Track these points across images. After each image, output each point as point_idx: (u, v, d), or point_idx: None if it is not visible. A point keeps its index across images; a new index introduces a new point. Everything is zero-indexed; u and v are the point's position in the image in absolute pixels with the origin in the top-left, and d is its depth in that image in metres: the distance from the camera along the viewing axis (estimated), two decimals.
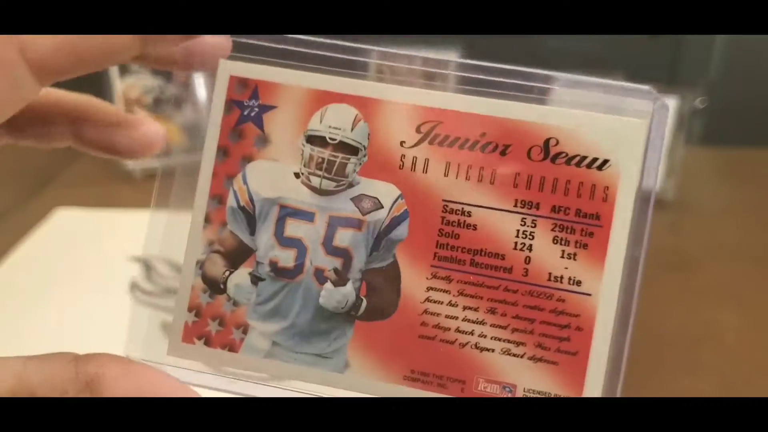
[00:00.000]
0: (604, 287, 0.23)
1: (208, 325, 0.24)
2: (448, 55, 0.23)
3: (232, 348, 0.24)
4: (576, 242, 0.23)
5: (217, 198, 0.24)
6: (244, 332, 0.24)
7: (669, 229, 0.68)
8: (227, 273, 0.24)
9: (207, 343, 0.24)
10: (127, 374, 0.21)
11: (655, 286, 0.57)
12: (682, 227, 0.69)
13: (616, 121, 0.23)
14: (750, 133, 0.90)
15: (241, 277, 0.24)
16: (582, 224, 0.23)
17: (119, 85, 0.75)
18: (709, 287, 0.60)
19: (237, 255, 0.24)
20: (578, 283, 0.23)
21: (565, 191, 0.23)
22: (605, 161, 0.23)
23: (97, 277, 0.57)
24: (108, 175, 0.78)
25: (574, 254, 0.23)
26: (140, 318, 0.25)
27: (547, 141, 0.23)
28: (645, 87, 0.23)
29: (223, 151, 0.24)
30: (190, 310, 0.24)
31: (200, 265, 0.24)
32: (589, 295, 0.23)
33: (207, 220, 0.24)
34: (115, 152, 0.27)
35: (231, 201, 0.24)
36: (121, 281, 0.53)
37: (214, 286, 0.24)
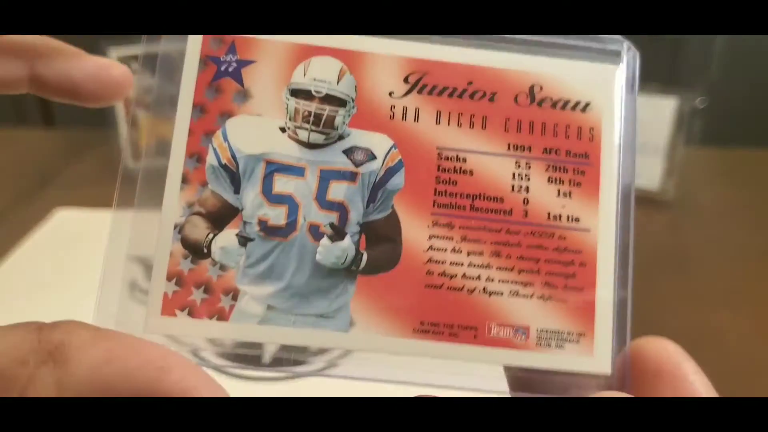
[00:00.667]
0: (601, 222, 0.23)
1: (192, 294, 0.22)
2: None
3: (221, 316, 0.22)
4: (570, 181, 0.23)
5: (195, 157, 0.22)
6: (234, 298, 0.22)
7: (669, 229, 0.69)
8: (211, 235, 0.22)
9: (191, 314, 0.22)
10: (96, 341, 0.18)
11: (655, 286, 0.58)
12: (682, 227, 0.70)
13: (593, 67, 0.24)
14: (750, 134, 0.94)
15: (227, 238, 0.22)
16: (573, 163, 0.23)
17: None
18: (709, 287, 0.60)
19: (221, 216, 0.22)
20: (576, 219, 0.23)
21: (554, 133, 0.23)
22: (587, 104, 0.24)
23: (97, 277, 0.54)
24: (108, 175, 0.74)
25: (569, 192, 0.23)
26: (111, 291, 0.21)
27: (531, 87, 0.24)
28: (617, 36, 0.24)
29: (199, 108, 0.23)
30: (169, 278, 0.22)
31: (179, 228, 0.22)
32: (588, 230, 0.23)
33: (184, 180, 0.22)
34: (78, 96, 0.24)
35: (211, 159, 0.22)
36: None
37: (197, 251, 0.22)
